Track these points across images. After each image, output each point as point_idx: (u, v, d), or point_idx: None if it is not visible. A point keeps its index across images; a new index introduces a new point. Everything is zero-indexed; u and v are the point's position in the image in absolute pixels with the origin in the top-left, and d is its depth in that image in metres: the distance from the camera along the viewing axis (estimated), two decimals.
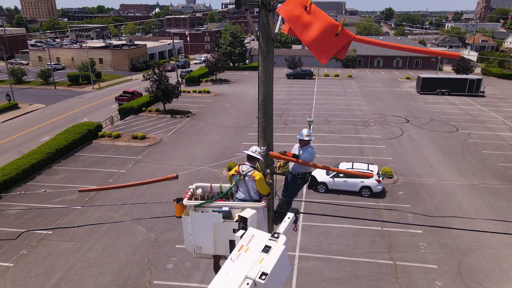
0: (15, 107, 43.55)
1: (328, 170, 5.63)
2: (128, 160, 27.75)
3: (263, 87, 5.83)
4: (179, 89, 39.30)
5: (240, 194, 5.77)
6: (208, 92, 50.78)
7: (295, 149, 6.93)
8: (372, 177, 5.58)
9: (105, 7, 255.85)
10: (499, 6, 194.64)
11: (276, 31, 5.67)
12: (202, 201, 5.48)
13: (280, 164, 6.91)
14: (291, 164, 6.86)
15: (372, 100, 46.69)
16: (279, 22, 5.79)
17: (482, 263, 16.15)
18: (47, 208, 21.05)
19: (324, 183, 22.25)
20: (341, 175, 22.08)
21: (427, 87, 50.30)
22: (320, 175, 22.70)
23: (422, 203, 21.17)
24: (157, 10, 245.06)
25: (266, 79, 5.78)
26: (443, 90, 49.83)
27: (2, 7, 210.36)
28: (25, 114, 41.70)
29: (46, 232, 18.89)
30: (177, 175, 6.13)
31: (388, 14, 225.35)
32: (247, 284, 4.06)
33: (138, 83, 55.98)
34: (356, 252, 16.98)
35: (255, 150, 5.92)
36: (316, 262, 16.26)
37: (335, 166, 23.21)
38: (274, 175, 6.54)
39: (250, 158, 5.96)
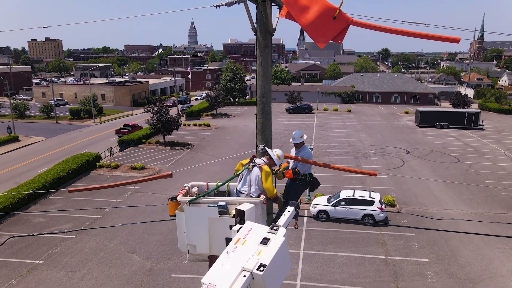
0: (15, 139, 43.59)
1: (328, 168, 5.51)
2: (125, 190, 27.30)
3: (261, 82, 5.72)
4: (179, 121, 39.52)
5: (240, 186, 5.46)
6: (208, 125, 51.09)
7: (291, 154, 6.80)
8: (376, 175, 5.37)
9: (110, 48, 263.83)
10: (491, 46, 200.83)
11: (274, 26, 5.65)
12: (197, 196, 5.19)
13: (280, 169, 6.71)
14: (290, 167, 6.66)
15: (371, 133, 46.83)
16: (276, 19, 5.79)
17: None
18: (40, 237, 20.40)
19: (325, 211, 21.72)
20: (343, 203, 21.61)
21: (426, 120, 50.65)
22: (321, 203, 22.25)
23: (427, 231, 20.51)
24: (160, 50, 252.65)
25: (264, 73, 5.69)
26: (442, 123, 50.11)
27: (9, 47, 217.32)
28: (24, 146, 41.64)
29: (37, 261, 18.19)
30: (171, 173, 5.88)
31: (384, 54, 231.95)
32: (244, 276, 3.71)
33: (139, 117, 56.48)
34: (360, 281, 16.22)
35: (275, 153, 5.65)
36: None
37: (337, 194, 22.79)
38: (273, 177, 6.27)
39: (268, 157, 5.68)
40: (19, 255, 18.74)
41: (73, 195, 26.45)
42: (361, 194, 21.92)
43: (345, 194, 22.09)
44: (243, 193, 5.38)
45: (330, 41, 4.71)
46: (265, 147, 5.76)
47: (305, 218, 22.08)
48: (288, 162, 6.82)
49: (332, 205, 21.60)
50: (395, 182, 28.45)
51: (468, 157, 35.39)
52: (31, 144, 42.72)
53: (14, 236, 11.18)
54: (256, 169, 5.37)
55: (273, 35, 5.62)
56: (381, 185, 27.56)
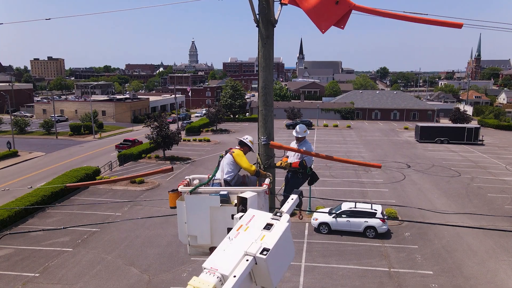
0: (14, 154, 43.47)
1: (331, 160, 5.63)
2: (124, 204, 27.03)
3: (263, 73, 5.69)
4: (180, 135, 39.51)
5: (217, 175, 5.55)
6: (208, 140, 51.07)
7: (292, 146, 6.84)
8: (380, 166, 5.42)
9: (111, 67, 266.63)
10: (489, 65, 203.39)
11: (276, 17, 5.66)
12: (198, 184, 5.09)
13: (281, 163, 6.69)
14: (291, 161, 6.63)
15: (372, 148, 46.77)
16: (279, 11, 5.81)
17: None
18: (37, 250, 20.07)
19: (326, 224, 21.42)
20: (344, 215, 21.32)
21: (426, 135, 50.65)
22: (322, 215, 21.97)
23: (430, 244, 20.22)
24: (161, 69, 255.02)
25: (266, 64, 5.67)
26: (442, 139, 50.07)
27: (12, 66, 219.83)
28: (24, 161, 41.51)
29: (33, 274, 17.82)
30: (172, 167, 5.79)
31: (383, 73, 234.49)
32: (247, 260, 3.57)
33: (139, 133, 56.48)
34: None
35: (246, 137, 5.94)
36: None
37: (338, 206, 22.53)
38: (275, 169, 6.18)
39: (241, 145, 5.90)
40: (15, 268, 18.37)
41: (72, 208, 26.19)
42: (363, 206, 21.67)
43: (346, 206, 21.83)
44: (216, 180, 5.45)
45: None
46: (245, 139, 5.89)
47: (306, 231, 21.75)
48: (288, 156, 6.83)
49: (333, 217, 21.31)
50: (397, 195, 28.19)
51: (470, 171, 35.22)
52: (30, 159, 42.60)
53: (10, 233, 11.02)
54: (227, 155, 5.61)
55: (275, 26, 5.62)
56: (383, 198, 27.31)
